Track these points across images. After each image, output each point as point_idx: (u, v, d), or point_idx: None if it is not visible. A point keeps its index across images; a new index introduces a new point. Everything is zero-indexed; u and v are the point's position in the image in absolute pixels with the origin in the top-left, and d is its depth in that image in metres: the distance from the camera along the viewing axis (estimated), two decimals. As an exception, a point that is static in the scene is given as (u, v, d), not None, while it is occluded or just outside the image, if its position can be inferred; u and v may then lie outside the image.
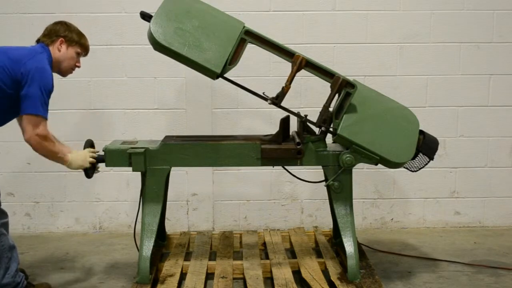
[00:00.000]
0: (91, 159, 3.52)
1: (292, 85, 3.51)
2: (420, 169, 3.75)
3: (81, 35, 3.52)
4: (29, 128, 3.23)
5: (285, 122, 3.74)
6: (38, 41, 3.48)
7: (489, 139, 4.90)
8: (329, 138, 3.65)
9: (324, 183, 3.78)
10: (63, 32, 3.45)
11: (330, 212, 4.15)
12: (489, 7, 4.76)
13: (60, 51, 3.44)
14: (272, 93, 3.58)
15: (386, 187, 4.93)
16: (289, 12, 4.73)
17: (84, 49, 3.55)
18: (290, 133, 3.86)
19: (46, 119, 3.28)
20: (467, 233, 4.82)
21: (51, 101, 3.35)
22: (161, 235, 4.23)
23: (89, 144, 3.66)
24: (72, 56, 3.48)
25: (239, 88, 3.61)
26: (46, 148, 3.31)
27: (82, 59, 3.60)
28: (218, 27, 3.47)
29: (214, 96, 4.78)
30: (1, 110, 3.31)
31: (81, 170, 3.54)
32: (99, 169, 3.68)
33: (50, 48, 3.43)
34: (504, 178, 4.93)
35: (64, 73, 3.55)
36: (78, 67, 3.57)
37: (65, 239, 4.73)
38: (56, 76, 3.43)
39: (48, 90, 3.27)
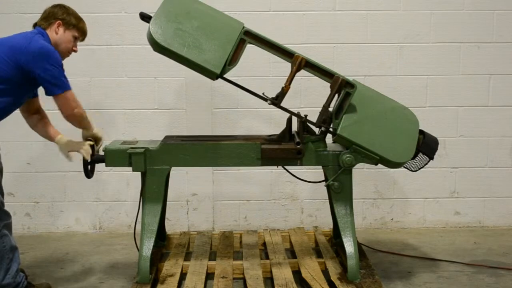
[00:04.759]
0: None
1: (292, 85, 3.50)
2: (420, 169, 3.74)
3: (79, 19, 3.50)
4: (65, 105, 3.32)
5: (290, 122, 3.74)
6: (35, 25, 3.47)
7: (489, 139, 4.89)
8: (329, 138, 3.65)
9: (324, 183, 3.79)
10: (61, 15, 3.43)
11: (330, 212, 4.15)
12: (489, 7, 4.76)
13: (57, 33, 3.42)
14: (272, 93, 3.58)
15: (386, 187, 4.93)
16: (289, 12, 4.73)
17: (81, 33, 3.52)
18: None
19: (71, 89, 3.34)
20: (467, 233, 4.82)
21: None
22: (161, 235, 4.23)
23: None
24: (69, 39, 3.46)
25: (239, 88, 3.61)
26: (82, 115, 3.44)
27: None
28: (218, 27, 3.46)
29: (214, 96, 4.77)
30: (10, 102, 3.29)
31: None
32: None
33: (48, 31, 3.42)
34: (504, 178, 4.93)
35: (61, 56, 3.48)
36: (75, 51, 3.55)
37: (65, 239, 4.73)
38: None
39: (60, 64, 3.30)
